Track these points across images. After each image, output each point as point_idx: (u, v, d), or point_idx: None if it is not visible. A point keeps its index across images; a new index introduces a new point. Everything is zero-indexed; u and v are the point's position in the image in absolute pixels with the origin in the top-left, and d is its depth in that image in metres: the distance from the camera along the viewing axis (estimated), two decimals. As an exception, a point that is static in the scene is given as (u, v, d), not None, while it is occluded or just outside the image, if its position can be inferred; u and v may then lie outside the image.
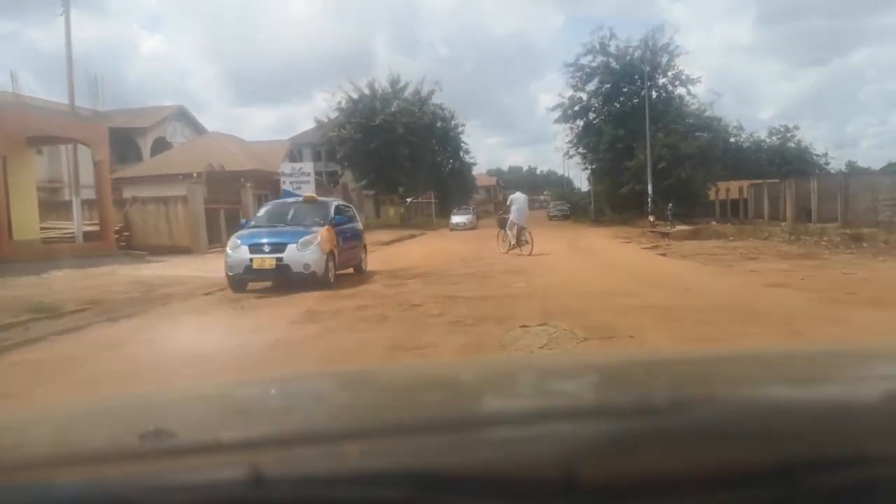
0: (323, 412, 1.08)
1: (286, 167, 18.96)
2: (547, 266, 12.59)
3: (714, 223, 27.80)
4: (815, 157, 56.31)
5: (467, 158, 55.89)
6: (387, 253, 19.04)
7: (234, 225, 23.10)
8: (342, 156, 40.82)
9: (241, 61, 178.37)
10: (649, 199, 31.66)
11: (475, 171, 65.96)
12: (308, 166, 19.17)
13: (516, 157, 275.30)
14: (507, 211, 15.99)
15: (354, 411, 1.06)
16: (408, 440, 0.70)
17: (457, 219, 36.81)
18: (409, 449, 0.67)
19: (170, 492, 0.59)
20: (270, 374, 3.61)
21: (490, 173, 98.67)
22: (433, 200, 46.64)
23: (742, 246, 17.04)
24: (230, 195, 22.81)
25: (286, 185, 18.62)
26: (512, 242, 15.38)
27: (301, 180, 18.64)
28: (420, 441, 0.69)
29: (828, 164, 55.53)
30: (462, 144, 53.28)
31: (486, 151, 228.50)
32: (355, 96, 40.04)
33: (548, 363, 1.80)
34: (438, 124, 45.87)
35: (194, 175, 19.93)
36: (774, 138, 57.56)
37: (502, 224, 16.16)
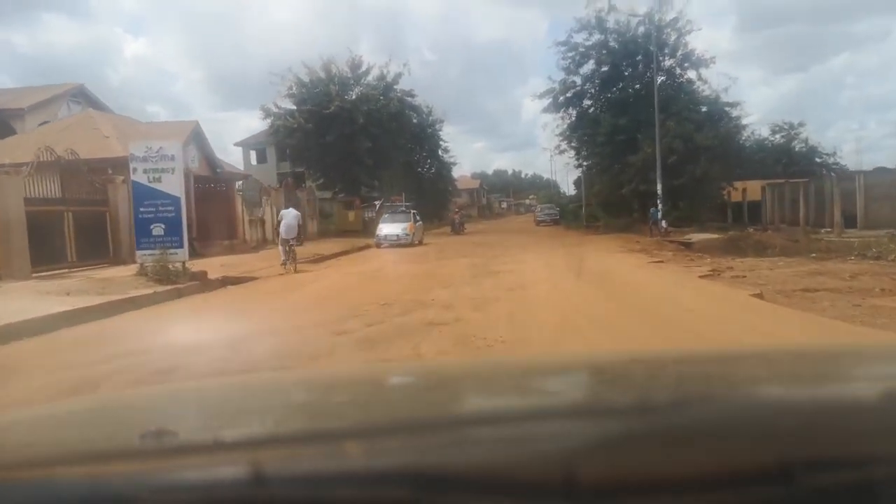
0: (324, 411, 1.05)
1: (137, 148, 12.10)
2: (550, 338, 5.70)
3: (752, 230, 22.04)
4: (824, 155, 50.70)
5: (446, 157, 49.34)
6: (295, 281, 12.36)
7: (92, 234, 16.83)
8: (291, 150, 34.17)
9: (227, 65, 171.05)
10: (659, 201, 25.54)
11: (459, 173, 59.49)
12: (174, 147, 12.28)
13: (502, 162, 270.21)
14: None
15: (355, 410, 1.03)
16: (409, 439, 0.69)
17: (386, 228, 23.70)
18: (409, 448, 0.66)
19: (172, 491, 0.59)
20: (271, 374, 3.36)
21: (475, 176, 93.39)
22: (404, 203, 40.40)
23: (857, 271, 10.45)
24: (94, 193, 16.24)
25: (137, 175, 11.90)
26: (283, 259, 14.15)
27: (162, 167, 11.92)
28: (421, 440, 0.69)
29: (836, 164, 49.78)
30: (440, 142, 46.90)
31: (471, 156, 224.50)
32: (307, 80, 33.29)
33: (548, 363, 1.63)
34: (414, 119, 39.37)
35: (5, 163, 13.18)
36: (779, 136, 52.02)
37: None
